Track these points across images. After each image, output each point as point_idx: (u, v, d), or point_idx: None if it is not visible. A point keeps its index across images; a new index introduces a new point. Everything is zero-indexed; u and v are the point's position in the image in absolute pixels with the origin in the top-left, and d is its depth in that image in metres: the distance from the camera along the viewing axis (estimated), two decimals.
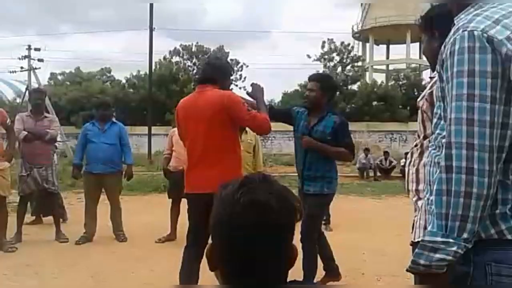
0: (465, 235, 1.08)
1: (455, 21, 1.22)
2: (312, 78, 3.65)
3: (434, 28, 1.91)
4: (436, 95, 1.28)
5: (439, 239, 1.09)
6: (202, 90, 3.13)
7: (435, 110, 1.31)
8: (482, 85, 1.07)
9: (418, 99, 1.99)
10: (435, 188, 1.12)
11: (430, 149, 1.29)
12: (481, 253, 1.13)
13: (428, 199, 1.22)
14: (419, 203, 1.92)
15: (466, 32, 1.10)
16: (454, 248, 1.08)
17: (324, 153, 3.50)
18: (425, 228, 1.84)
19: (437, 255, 1.09)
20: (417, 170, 1.96)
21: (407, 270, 1.15)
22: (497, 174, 1.09)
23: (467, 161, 1.07)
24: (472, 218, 1.07)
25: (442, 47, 1.18)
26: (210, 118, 3.00)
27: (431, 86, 1.88)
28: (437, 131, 1.24)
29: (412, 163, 2.00)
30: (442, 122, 1.21)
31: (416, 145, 1.99)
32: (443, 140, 1.15)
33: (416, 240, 1.89)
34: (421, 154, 1.94)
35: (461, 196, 1.07)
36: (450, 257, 1.08)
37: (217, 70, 3.17)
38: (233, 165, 3.06)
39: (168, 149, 5.55)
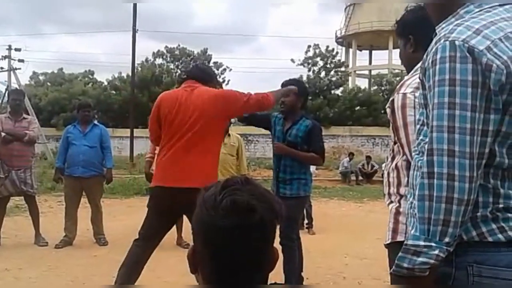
0: (446, 239, 1.10)
1: (436, 31, 1.25)
2: (286, 83, 3.67)
3: (409, 33, 1.95)
4: (419, 102, 1.30)
5: (421, 243, 1.11)
6: (192, 85, 3.07)
7: (418, 117, 1.33)
8: (462, 93, 1.09)
9: (386, 106, 2.00)
10: (417, 193, 1.15)
11: (413, 154, 1.31)
12: (463, 255, 1.15)
13: (411, 202, 1.24)
14: (390, 206, 1.94)
15: (447, 42, 1.13)
16: (436, 252, 1.10)
17: (294, 158, 3.63)
18: (394, 231, 1.88)
19: (420, 259, 1.11)
20: (388, 174, 1.98)
21: (390, 274, 1.17)
22: (478, 179, 1.11)
23: (448, 168, 1.09)
24: (453, 222, 1.10)
25: (425, 55, 1.20)
26: (204, 114, 2.94)
27: (393, 93, 1.92)
28: (420, 137, 1.26)
29: (385, 167, 2.02)
30: (425, 128, 1.23)
31: (391, 150, 2.01)
32: (426, 146, 1.17)
33: (386, 243, 1.92)
34: (392, 159, 1.96)
35: (443, 201, 1.09)
36: (432, 261, 1.10)
37: (204, 72, 3.24)
38: (210, 167, 3.03)
39: (151, 152, 5.50)
